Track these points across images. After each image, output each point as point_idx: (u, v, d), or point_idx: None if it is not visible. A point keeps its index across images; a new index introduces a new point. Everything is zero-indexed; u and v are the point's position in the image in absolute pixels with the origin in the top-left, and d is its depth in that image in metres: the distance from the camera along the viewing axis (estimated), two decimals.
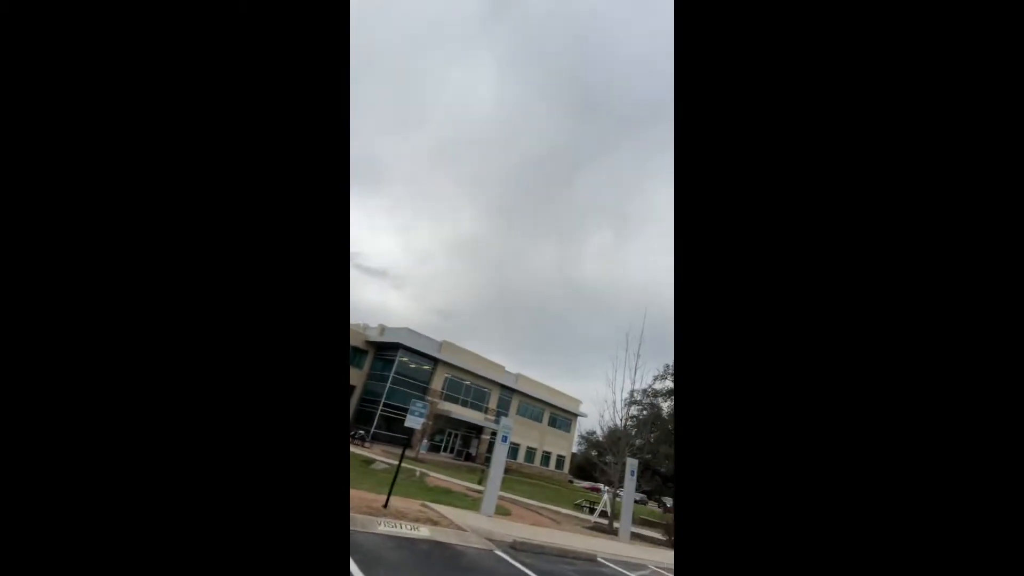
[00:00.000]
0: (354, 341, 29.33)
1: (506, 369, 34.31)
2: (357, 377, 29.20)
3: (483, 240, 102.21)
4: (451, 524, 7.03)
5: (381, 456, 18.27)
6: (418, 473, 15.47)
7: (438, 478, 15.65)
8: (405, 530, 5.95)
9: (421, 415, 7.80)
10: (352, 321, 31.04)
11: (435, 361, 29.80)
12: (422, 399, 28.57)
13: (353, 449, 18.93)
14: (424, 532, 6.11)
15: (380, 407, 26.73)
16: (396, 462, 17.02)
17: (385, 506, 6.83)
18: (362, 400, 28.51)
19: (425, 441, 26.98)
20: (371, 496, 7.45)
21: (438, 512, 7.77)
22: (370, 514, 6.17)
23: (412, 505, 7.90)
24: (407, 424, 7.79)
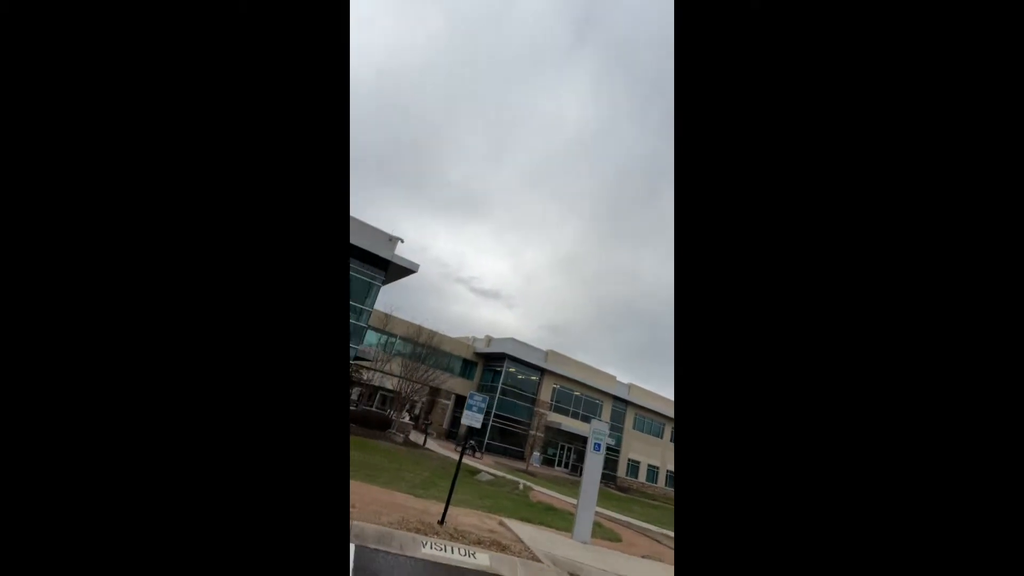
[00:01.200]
0: (463, 353, 30.05)
1: (617, 379, 31.93)
2: (468, 388, 29.61)
3: (586, 254, 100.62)
4: (525, 550, 5.75)
5: (491, 467, 17.61)
6: (521, 486, 14.41)
7: (543, 493, 14.40)
8: (457, 555, 4.85)
9: (480, 410, 6.63)
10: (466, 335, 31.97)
11: (541, 371, 28.91)
12: (530, 410, 28.09)
13: (465, 460, 18.63)
14: (482, 560, 4.94)
15: (491, 418, 26.54)
16: (504, 474, 16.65)
17: (441, 522, 5.79)
18: None
19: (537, 453, 26.01)
20: (433, 508, 6.49)
21: (515, 534, 6.53)
22: (419, 531, 5.16)
23: (487, 522, 6.79)
24: (464, 422, 6.67)
